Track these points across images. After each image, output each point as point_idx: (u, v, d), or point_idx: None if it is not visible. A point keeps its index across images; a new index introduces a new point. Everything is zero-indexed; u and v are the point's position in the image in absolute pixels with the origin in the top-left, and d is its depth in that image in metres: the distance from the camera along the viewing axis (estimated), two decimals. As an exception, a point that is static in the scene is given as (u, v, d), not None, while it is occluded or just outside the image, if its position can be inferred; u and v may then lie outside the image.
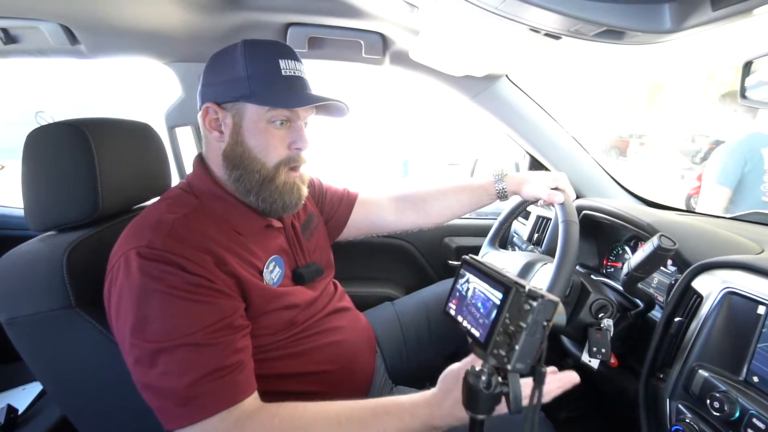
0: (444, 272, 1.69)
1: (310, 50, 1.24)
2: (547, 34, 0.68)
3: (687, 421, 0.66)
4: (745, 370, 0.63)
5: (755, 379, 0.61)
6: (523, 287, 0.39)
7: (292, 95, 0.75)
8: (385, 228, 1.14)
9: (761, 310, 0.62)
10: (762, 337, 0.61)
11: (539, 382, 0.38)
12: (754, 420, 0.56)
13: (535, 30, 0.67)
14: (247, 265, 0.74)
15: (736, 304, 0.67)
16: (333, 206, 1.08)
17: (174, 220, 0.69)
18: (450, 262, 1.66)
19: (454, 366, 0.65)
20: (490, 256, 1.14)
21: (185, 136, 1.40)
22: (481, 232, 1.28)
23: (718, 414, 0.61)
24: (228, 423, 0.60)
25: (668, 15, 0.51)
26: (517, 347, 0.37)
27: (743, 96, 0.66)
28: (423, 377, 1.15)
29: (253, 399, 0.64)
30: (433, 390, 0.65)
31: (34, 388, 1.30)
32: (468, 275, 0.47)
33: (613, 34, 0.56)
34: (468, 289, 0.46)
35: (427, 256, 1.71)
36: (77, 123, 0.81)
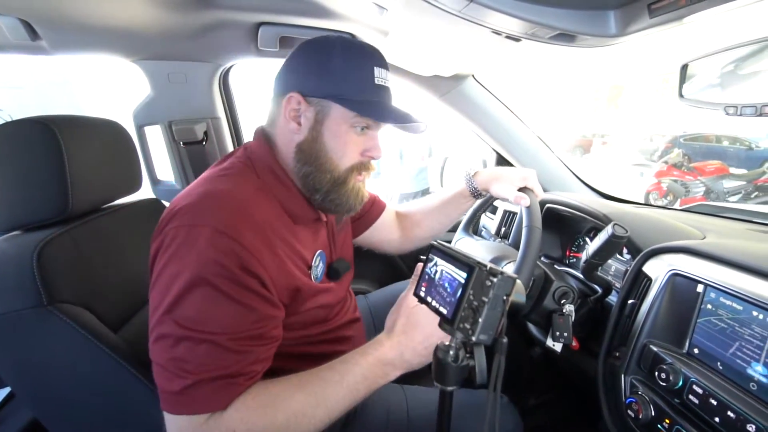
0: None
1: (282, 49, 1.25)
2: (508, 37, 0.73)
3: (639, 393, 0.72)
4: (687, 343, 0.69)
5: (696, 350, 0.68)
6: (485, 266, 0.43)
7: (382, 107, 0.74)
8: (387, 248, 1.18)
9: (700, 288, 0.69)
10: (701, 312, 0.68)
11: (501, 352, 0.42)
12: (694, 386, 0.63)
13: (497, 32, 0.72)
14: (298, 259, 0.74)
15: (679, 284, 0.73)
16: (363, 208, 1.06)
17: (242, 200, 0.67)
18: (422, 257, 1.70)
19: (396, 303, 0.73)
20: (463, 242, 1.19)
21: (155, 135, 1.39)
22: (452, 227, 1.33)
23: (664, 384, 0.67)
24: (208, 417, 0.60)
25: (613, 21, 0.56)
26: (480, 320, 0.41)
27: (681, 96, 0.73)
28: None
29: None
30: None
31: (-5, 398, 1.25)
32: (436, 259, 0.51)
33: (566, 37, 0.61)
34: (436, 271, 0.50)
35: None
36: (44, 120, 0.79)
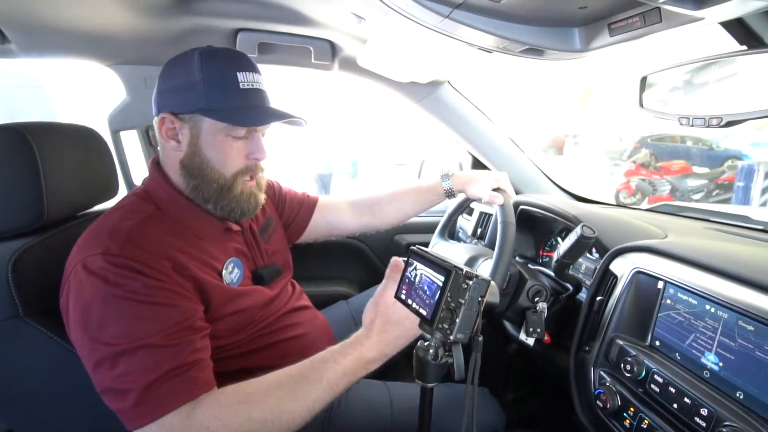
0: (396, 269, 1.75)
1: (261, 55, 1.25)
2: (481, 49, 0.76)
3: (607, 384, 0.77)
4: (649, 336, 0.74)
5: (657, 343, 0.73)
6: (462, 270, 0.46)
7: (249, 112, 0.75)
8: (343, 231, 1.19)
9: (660, 285, 0.74)
10: (661, 307, 0.73)
11: (477, 349, 0.45)
12: (655, 376, 0.68)
13: (471, 45, 0.75)
14: (206, 267, 0.75)
15: (642, 281, 0.78)
16: (293, 211, 1.11)
17: (130, 226, 0.69)
18: (403, 260, 1.72)
19: (371, 300, 0.75)
20: (439, 246, 1.22)
21: (131, 140, 1.36)
22: (429, 228, 1.36)
23: (629, 375, 0.71)
24: (180, 416, 0.61)
25: (577, 38, 0.61)
26: (457, 320, 0.44)
27: (641, 106, 0.79)
28: (378, 371, 1.20)
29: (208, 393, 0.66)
30: (360, 329, 0.73)
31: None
32: (415, 263, 0.53)
33: (535, 51, 0.65)
34: (416, 275, 0.52)
35: (379, 254, 1.76)
36: (17, 127, 0.77)
